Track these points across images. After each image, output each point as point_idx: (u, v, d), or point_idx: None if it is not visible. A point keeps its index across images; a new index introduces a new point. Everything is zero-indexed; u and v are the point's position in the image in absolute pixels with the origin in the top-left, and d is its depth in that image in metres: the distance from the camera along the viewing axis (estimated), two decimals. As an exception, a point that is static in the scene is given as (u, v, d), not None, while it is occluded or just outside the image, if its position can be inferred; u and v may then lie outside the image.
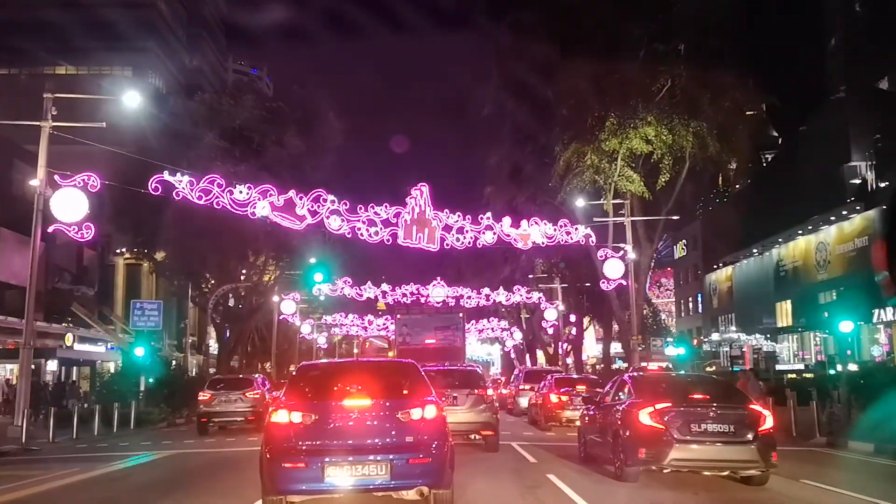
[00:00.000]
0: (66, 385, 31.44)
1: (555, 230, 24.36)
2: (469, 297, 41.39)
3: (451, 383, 14.24)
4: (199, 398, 20.79)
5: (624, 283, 26.53)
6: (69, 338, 34.49)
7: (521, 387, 26.58)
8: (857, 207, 39.48)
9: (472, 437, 14.22)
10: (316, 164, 33.11)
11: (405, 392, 7.76)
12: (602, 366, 45.77)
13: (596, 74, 25.91)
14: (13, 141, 31.48)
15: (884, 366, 26.08)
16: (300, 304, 44.43)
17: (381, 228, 22.06)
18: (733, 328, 52.56)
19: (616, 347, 45.13)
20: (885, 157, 40.76)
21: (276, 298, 39.88)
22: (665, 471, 9.58)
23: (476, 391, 14.40)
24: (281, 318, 42.69)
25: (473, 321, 53.41)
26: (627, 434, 9.71)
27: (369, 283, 40.71)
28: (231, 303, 39.29)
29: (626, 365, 35.56)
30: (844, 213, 40.37)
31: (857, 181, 43.35)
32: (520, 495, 9.45)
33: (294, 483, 7.10)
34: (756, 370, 25.95)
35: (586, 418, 12.31)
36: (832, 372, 20.80)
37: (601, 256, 26.12)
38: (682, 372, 28.23)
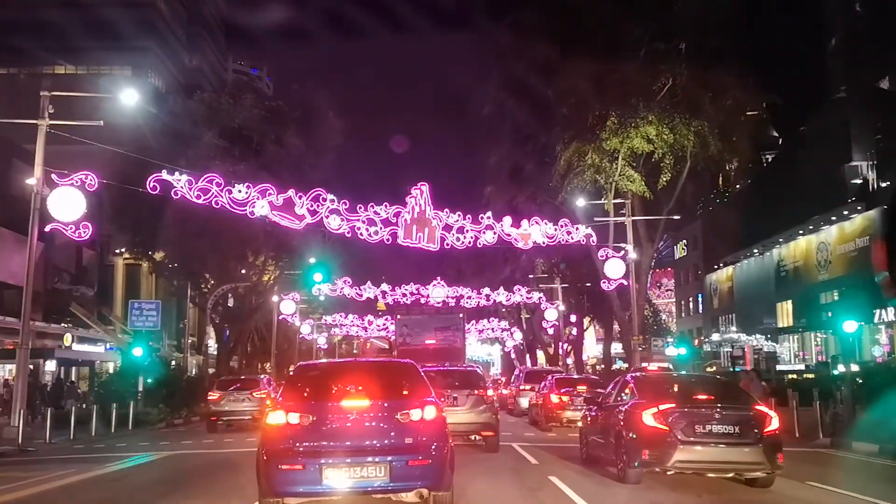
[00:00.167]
0: (65, 385, 31.31)
1: (555, 230, 24.27)
2: (469, 298, 41.30)
3: (451, 384, 14.17)
4: (209, 398, 22.15)
5: (625, 282, 26.42)
6: (68, 338, 34.38)
7: (521, 387, 26.47)
8: (859, 207, 39.37)
9: (473, 437, 14.15)
10: (315, 164, 33.01)
11: (404, 393, 7.65)
12: (602, 366, 45.66)
13: (596, 74, 25.79)
14: (12, 140, 31.36)
15: (886, 366, 25.95)
16: (300, 305, 44.32)
17: (380, 228, 21.95)
18: (734, 328, 52.45)
19: (616, 348, 45.02)
20: (885, 156, 40.68)
21: (275, 298, 39.76)
22: (668, 473, 9.45)
23: (476, 392, 14.34)
24: (280, 318, 42.57)
25: (473, 321, 53.34)
26: (630, 435, 9.57)
27: (369, 283, 40.61)
28: (230, 303, 39.17)
29: (626, 365, 35.45)
30: (845, 212, 40.26)
31: (858, 181, 43.27)
32: (521, 497, 9.34)
33: (291, 485, 6.99)
34: (758, 370, 25.84)
35: (588, 419, 12.18)
36: (835, 372, 20.65)
37: (602, 256, 26.03)
38: (683, 372, 28.09)
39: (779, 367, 38.62)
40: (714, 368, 41.40)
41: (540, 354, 53.49)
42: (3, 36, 57.27)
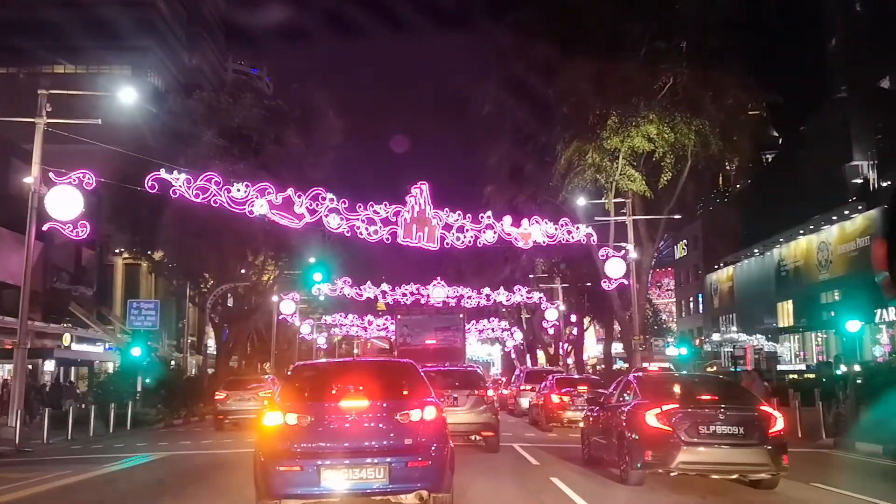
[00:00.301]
0: (64, 386, 31.20)
1: (556, 229, 24.18)
2: (469, 297, 41.22)
3: (451, 384, 14.17)
4: (216, 397, 22.91)
5: (625, 282, 26.33)
6: (66, 338, 34.28)
7: (522, 387, 26.39)
8: (859, 207, 39.29)
9: (473, 437, 14.11)
10: (315, 163, 32.87)
11: (404, 393, 7.53)
12: (603, 366, 45.55)
13: (597, 73, 25.68)
14: (11, 140, 31.25)
15: (888, 365, 25.84)
16: (300, 304, 44.21)
17: (380, 227, 21.87)
18: (734, 328, 52.38)
19: (617, 348, 44.93)
20: (886, 156, 40.59)
21: (275, 298, 39.65)
22: (672, 474, 9.34)
23: (476, 392, 14.34)
24: (280, 318, 42.48)
25: (474, 321, 53.27)
26: (633, 436, 9.46)
27: (369, 283, 40.53)
28: (230, 302, 39.07)
29: (626, 365, 35.35)
30: (846, 212, 40.18)
31: (859, 180, 43.18)
32: (522, 499, 9.24)
33: (289, 487, 6.87)
34: (759, 370, 25.75)
35: (590, 419, 12.08)
36: (838, 372, 20.56)
37: (603, 256, 25.95)
38: (684, 372, 28.01)
39: (779, 367, 38.53)
40: (714, 368, 41.31)
41: (540, 354, 53.39)
42: (2, 35, 57.13)
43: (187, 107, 32.55)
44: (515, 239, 23.73)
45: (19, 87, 44.68)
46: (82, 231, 18.14)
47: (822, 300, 41.71)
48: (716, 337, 53.39)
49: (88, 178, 18.07)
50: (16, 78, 56.03)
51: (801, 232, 44.64)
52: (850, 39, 51.99)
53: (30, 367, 28.05)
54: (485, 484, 9.93)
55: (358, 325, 57.30)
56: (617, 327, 38.12)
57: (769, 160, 56.11)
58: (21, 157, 29.88)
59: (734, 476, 9.45)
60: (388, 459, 6.83)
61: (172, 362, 39.42)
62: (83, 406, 24.41)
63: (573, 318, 46.02)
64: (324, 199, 21.35)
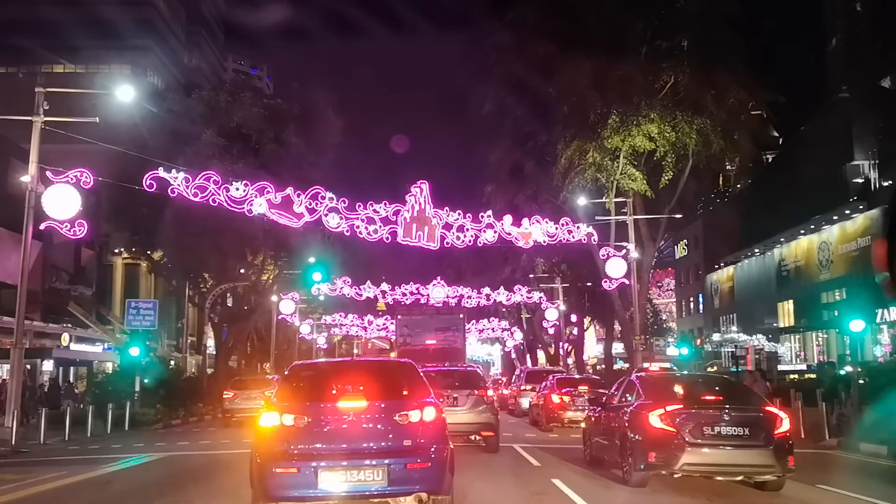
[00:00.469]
0: (62, 386, 31.06)
1: (556, 229, 24.05)
2: (469, 297, 41.09)
3: (451, 384, 14.16)
4: (224, 396, 24.27)
5: (626, 282, 26.20)
6: (65, 338, 34.14)
7: (522, 387, 26.24)
8: (860, 207, 39.20)
9: (473, 437, 14.08)
10: (315, 162, 32.68)
11: (403, 393, 7.39)
12: (603, 366, 45.41)
13: (598, 71, 25.55)
14: (10, 139, 31.11)
15: (891, 365, 25.72)
16: (299, 304, 44.06)
17: (380, 226, 21.74)
18: (734, 328, 52.26)
19: (617, 348, 44.81)
20: (887, 155, 40.49)
21: (274, 298, 39.49)
22: (676, 476, 9.20)
23: (476, 392, 14.33)
24: (280, 317, 42.33)
25: (474, 321, 53.17)
26: (636, 437, 9.31)
27: (369, 282, 40.41)
28: (229, 302, 38.93)
29: (627, 365, 35.22)
30: (847, 212, 40.08)
31: (860, 180, 43.08)
32: (524, 501, 9.11)
33: (286, 489, 6.72)
34: (762, 370, 25.64)
35: (592, 420, 11.94)
36: (842, 372, 20.43)
37: (603, 255, 25.82)
38: (685, 372, 27.89)
39: (780, 367, 38.43)
40: (714, 368, 41.23)
41: (540, 354, 53.27)
42: (2, 34, 57.02)
43: (186, 106, 32.38)
44: (516, 238, 23.60)
45: (18, 87, 44.54)
46: (80, 230, 18.01)
47: (823, 300, 41.59)
48: (716, 337, 53.30)
49: (86, 177, 17.93)
50: (15, 77, 55.89)
51: (802, 232, 44.53)
52: (851, 39, 52.01)
53: (28, 367, 27.97)
54: (485, 486, 9.79)
55: (358, 325, 57.15)
56: (617, 327, 37.99)
57: (770, 160, 56.02)
58: (20, 156, 29.68)
59: (739, 478, 9.31)
60: (387, 461, 6.69)
61: (172, 362, 39.29)
62: (81, 406, 24.29)
63: (573, 317, 45.89)
64: (323, 198, 21.22)
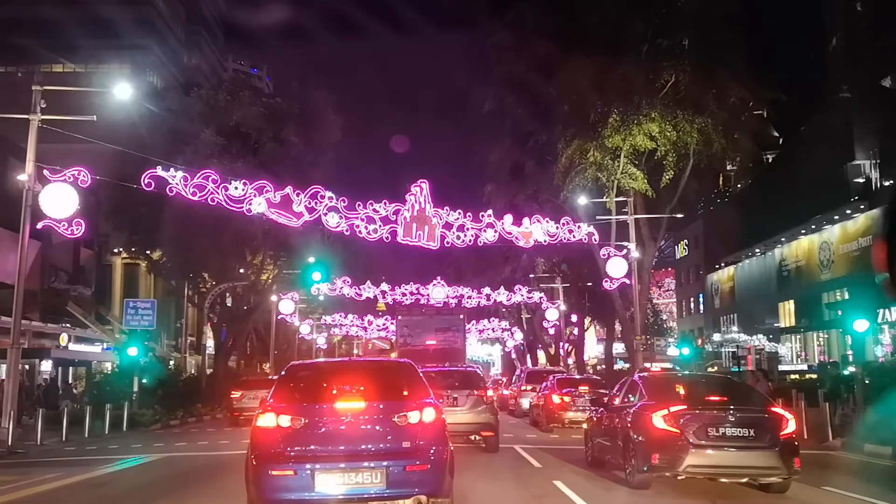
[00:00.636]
0: (61, 386, 30.95)
1: (557, 228, 23.93)
2: (469, 297, 40.97)
3: (450, 384, 14.17)
4: (231, 396, 24.77)
5: (627, 281, 26.08)
6: (64, 338, 34.00)
7: (523, 388, 26.15)
8: (861, 206, 39.08)
9: (472, 437, 14.05)
10: (314, 162, 32.57)
11: (402, 394, 7.26)
12: (603, 366, 45.28)
13: (598, 70, 25.43)
14: (8, 139, 31.00)
15: (893, 365, 25.57)
16: (299, 304, 43.95)
17: (380, 226, 21.60)
18: (735, 328, 52.13)
19: (618, 348, 44.70)
20: (888, 155, 40.39)
21: (274, 298, 39.37)
22: (679, 478, 9.08)
23: (476, 392, 14.34)
24: (279, 317, 42.20)
25: (474, 321, 53.06)
26: (639, 438, 9.18)
27: (369, 282, 40.30)
28: (229, 302, 38.81)
29: (627, 366, 35.10)
30: (848, 212, 39.96)
31: (861, 180, 42.96)
32: None
33: (282, 492, 6.59)
34: (764, 370, 25.53)
35: (594, 420, 11.81)
36: (845, 372, 20.32)
37: (604, 255, 25.70)
38: (688, 372, 27.78)
39: (781, 368, 38.29)
40: (715, 369, 41.09)
41: (541, 354, 53.17)
42: (1, 34, 56.89)
43: (185, 105, 32.28)
44: (516, 238, 23.47)
45: (18, 86, 44.41)
46: (77, 229, 17.88)
47: (824, 300, 41.45)
48: (717, 337, 53.16)
49: (84, 176, 17.82)
50: (14, 76, 55.78)
51: (803, 231, 44.41)
52: (851, 39, 51.90)
53: (26, 367, 27.84)
54: (486, 487, 9.67)
55: (358, 326, 57.03)
56: (618, 327, 37.89)
57: (770, 160, 55.91)
58: (19, 156, 29.56)
59: (744, 480, 9.19)
60: (386, 463, 6.57)
61: (171, 362, 39.18)
62: (79, 406, 24.18)
63: (574, 318, 45.79)
64: (323, 197, 21.09)
